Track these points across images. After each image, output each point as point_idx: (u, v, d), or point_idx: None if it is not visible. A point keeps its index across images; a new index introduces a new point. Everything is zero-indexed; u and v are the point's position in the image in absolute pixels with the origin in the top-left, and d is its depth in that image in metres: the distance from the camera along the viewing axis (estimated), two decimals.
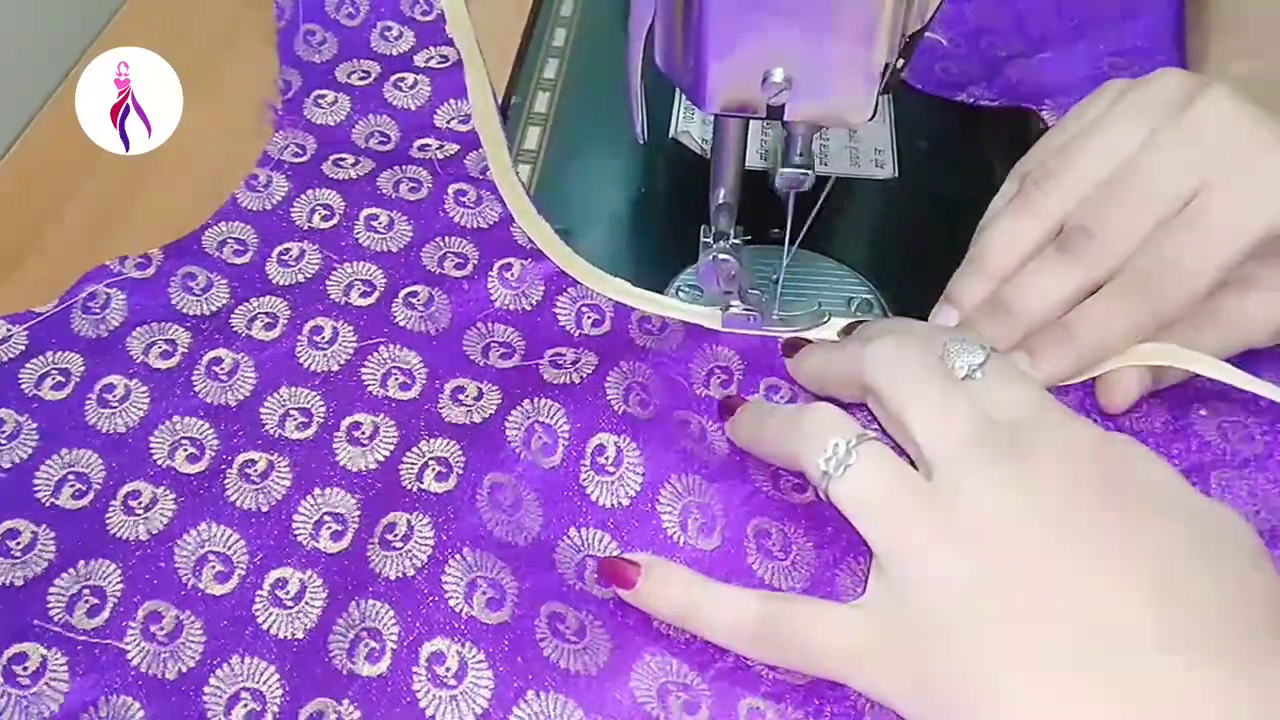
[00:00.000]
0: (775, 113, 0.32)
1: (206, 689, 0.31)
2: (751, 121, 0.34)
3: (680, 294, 0.43)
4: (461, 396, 0.38)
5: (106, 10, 0.53)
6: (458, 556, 0.34)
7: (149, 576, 0.34)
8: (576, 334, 0.40)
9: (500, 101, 0.49)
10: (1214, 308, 0.37)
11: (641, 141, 0.36)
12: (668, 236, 0.45)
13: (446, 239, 0.43)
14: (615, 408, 0.37)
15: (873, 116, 0.33)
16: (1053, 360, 0.37)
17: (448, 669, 0.31)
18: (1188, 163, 0.36)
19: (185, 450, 0.37)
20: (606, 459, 0.36)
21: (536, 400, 0.37)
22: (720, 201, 0.37)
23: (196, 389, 0.38)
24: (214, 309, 0.41)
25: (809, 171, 0.35)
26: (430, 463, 0.36)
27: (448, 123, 0.47)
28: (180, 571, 0.34)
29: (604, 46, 0.54)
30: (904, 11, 0.31)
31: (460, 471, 0.36)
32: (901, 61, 0.32)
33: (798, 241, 0.38)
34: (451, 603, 0.33)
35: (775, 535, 0.34)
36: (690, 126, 0.49)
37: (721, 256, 0.37)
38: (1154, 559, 0.28)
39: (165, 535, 0.34)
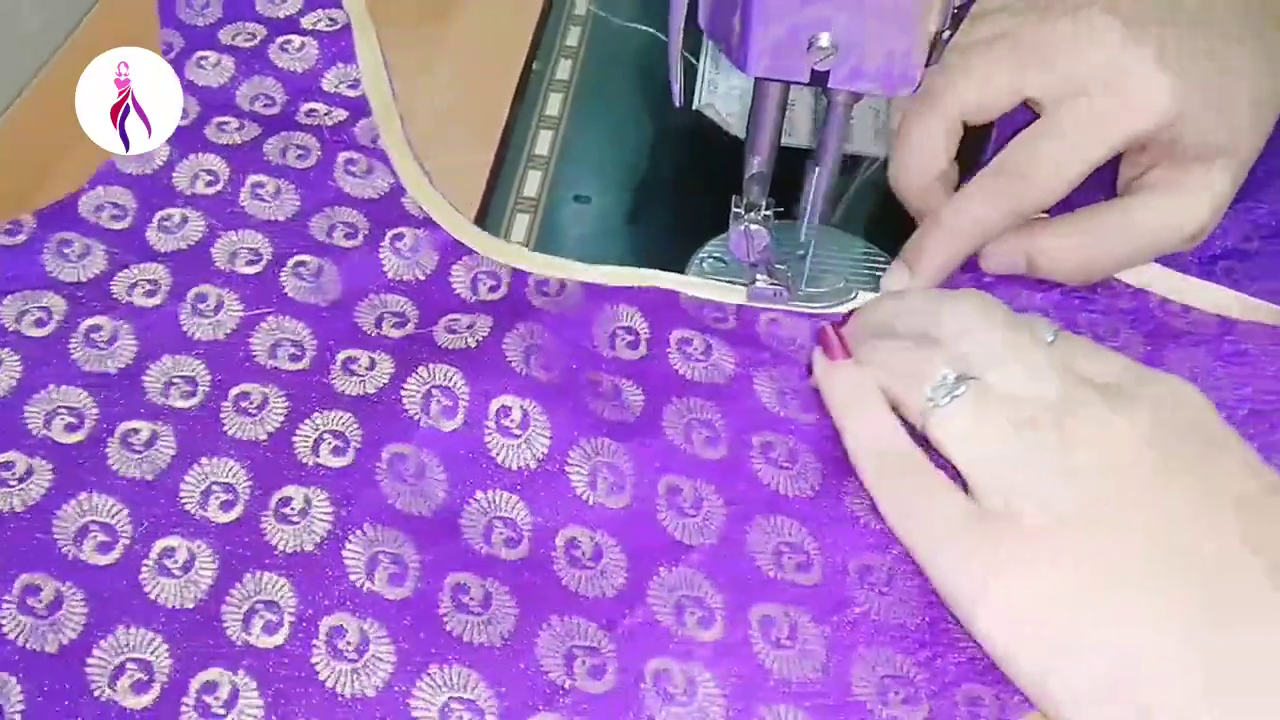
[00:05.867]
0: (818, 79, 0.32)
1: (90, 660, 0.30)
2: None
3: (705, 265, 0.42)
4: (354, 367, 0.37)
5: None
6: (358, 532, 0.33)
7: (25, 549, 0.32)
8: (472, 300, 0.40)
9: (522, 67, 0.49)
10: (1120, 216, 0.38)
11: (679, 105, 0.36)
12: (689, 207, 0.45)
13: (336, 209, 0.42)
14: (517, 370, 0.36)
15: (916, 88, 0.32)
16: (926, 248, 0.38)
17: (348, 643, 0.31)
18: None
19: (63, 419, 0.35)
20: (512, 422, 0.35)
21: (432, 366, 0.37)
22: (754, 171, 0.36)
23: (74, 357, 0.37)
24: (91, 275, 0.39)
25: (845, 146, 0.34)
26: (325, 436, 0.35)
27: (335, 87, 0.46)
28: (60, 543, 0.32)
29: (626, 14, 0.53)
30: None
31: (358, 445, 0.35)
32: (949, 33, 0.31)
33: (817, 213, 0.38)
34: (352, 578, 0.32)
35: (686, 492, 0.35)
36: (714, 99, 0.49)
37: (753, 227, 0.37)
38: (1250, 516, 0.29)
39: (42, 506, 0.33)
